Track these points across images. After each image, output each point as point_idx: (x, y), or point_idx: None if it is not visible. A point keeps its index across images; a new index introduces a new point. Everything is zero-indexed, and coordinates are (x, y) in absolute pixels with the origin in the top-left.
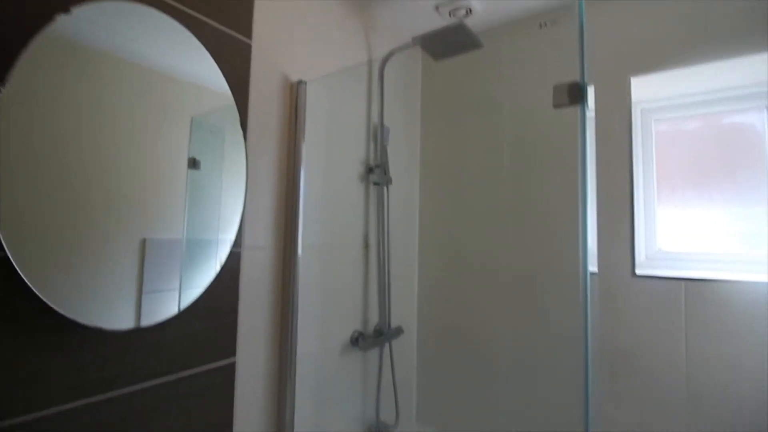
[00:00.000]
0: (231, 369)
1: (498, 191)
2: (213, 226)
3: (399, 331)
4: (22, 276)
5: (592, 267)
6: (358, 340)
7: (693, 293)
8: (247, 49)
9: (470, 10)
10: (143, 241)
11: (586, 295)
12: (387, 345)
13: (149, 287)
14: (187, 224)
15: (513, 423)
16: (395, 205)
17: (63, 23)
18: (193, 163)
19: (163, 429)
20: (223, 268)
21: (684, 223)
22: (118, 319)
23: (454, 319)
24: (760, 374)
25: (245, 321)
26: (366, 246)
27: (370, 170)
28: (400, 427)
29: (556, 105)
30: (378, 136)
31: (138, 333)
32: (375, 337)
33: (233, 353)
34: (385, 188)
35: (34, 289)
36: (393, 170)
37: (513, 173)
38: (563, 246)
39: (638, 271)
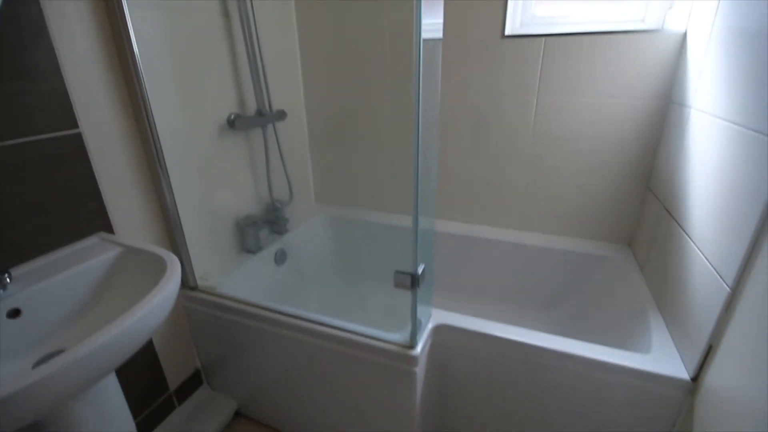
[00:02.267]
0: (78, 140)
1: None
2: None
3: (282, 114)
4: None
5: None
6: (234, 122)
7: (551, 48)
8: None
9: None
10: None
11: (419, 63)
12: (271, 128)
13: None
14: None
15: (394, 190)
16: None
17: None
18: None
19: (16, 191)
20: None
21: None
22: None
23: (341, 102)
24: (597, 128)
25: (78, 89)
26: (226, 15)
27: None
28: (300, 209)
29: None
30: None
31: None
32: (253, 117)
33: (75, 125)
34: None
35: None
36: None
37: None
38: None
39: (507, 33)
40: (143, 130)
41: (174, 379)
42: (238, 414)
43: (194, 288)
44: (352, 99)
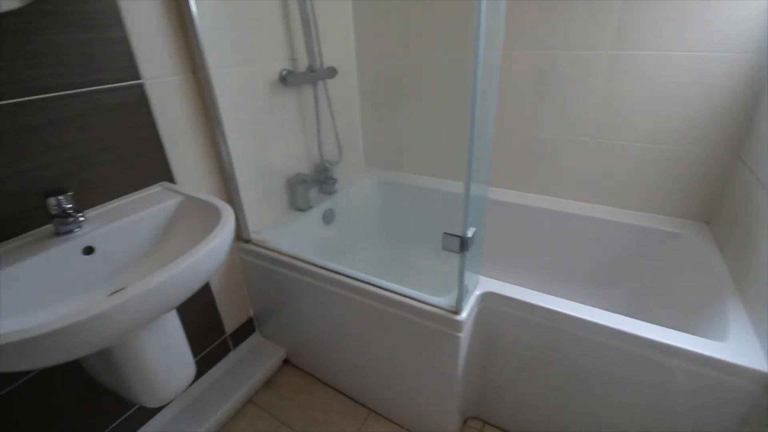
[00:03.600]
0: (140, 91)
1: None
2: None
3: (332, 71)
4: None
5: None
6: (286, 78)
7: None
8: None
9: None
10: None
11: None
12: (322, 86)
13: None
14: None
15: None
16: None
17: None
18: None
19: (86, 138)
20: None
21: None
22: None
23: (393, 60)
24: (679, 87)
25: (140, 41)
26: None
27: None
28: (349, 170)
29: None
30: None
31: None
32: (304, 73)
33: (137, 76)
34: None
35: None
36: None
37: None
38: None
39: None
40: (200, 85)
41: (230, 324)
42: (286, 362)
43: (248, 241)
44: (405, 56)
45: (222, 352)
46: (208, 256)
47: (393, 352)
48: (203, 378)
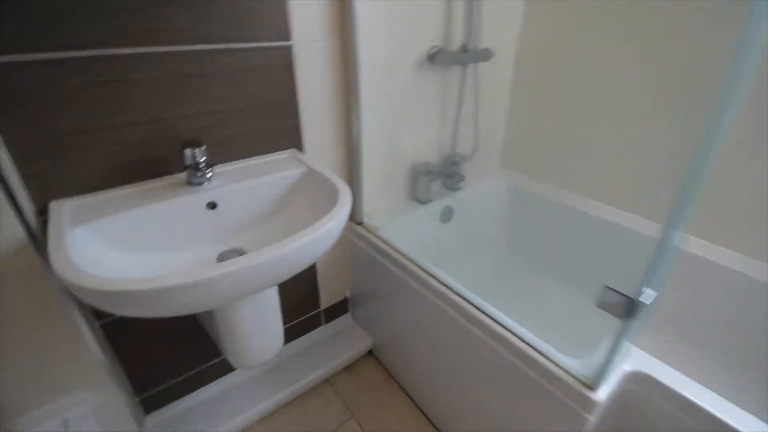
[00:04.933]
0: (288, 53)
1: None
2: None
3: (487, 53)
4: None
5: None
6: (436, 56)
7: None
8: None
9: None
10: None
11: None
12: (472, 69)
13: None
14: None
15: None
16: None
17: None
18: None
19: (229, 95)
20: None
21: None
22: None
23: (566, 50)
24: None
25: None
26: None
27: None
28: (480, 168)
29: None
30: None
31: None
32: (456, 53)
33: (288, 37)
34: None
35: None
36: None
37: None
38: None
39: None
40: (346, 53)
41: (325, 299)
42: (370, 353)
43: (360, 223)
44: (581, 47)
45: (312, 324)
46: (320, 238)
47: (494, 398)
48: (290, 345)
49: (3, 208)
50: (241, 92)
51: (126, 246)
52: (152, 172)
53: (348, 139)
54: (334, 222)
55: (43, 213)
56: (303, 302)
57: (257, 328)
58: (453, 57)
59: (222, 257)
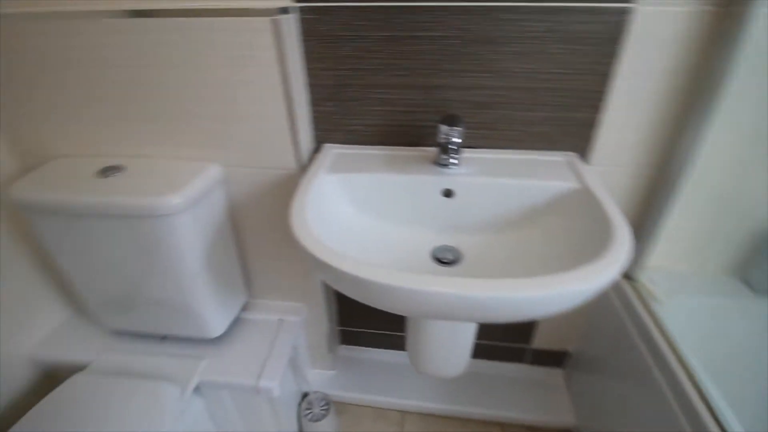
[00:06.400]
0: (621, 19)
1: None
2: None
3: None
4: None
5: None
6: None
7: None
8: None
9: None
10: None
11: None
12: None
13: None
14: None
15: None
16: None
17: None
18: None
19: (519, 69)
20: None
21: None
22: None
23: None
24: None
25: None
26: None
27: None
28: None
29: None
30: None
31: None
32: None
33: None
34: None
35: None
36: None
37: None
38: None
39: None
40: (723, 28)
41: (540, 339)
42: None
43: (630, 278)
44: None
45: (513, 356)
46: (572, 294)
47: None
48: (480, 361)
49: (285, 140)
50: (537, 68)
51: (358, 204)
52: (407, 140)
53: (663, 157)
54: (606, 274)
55: (315, 151)
56: (512, 327)
57: (442, 349)
58: None
59: (436, 253)
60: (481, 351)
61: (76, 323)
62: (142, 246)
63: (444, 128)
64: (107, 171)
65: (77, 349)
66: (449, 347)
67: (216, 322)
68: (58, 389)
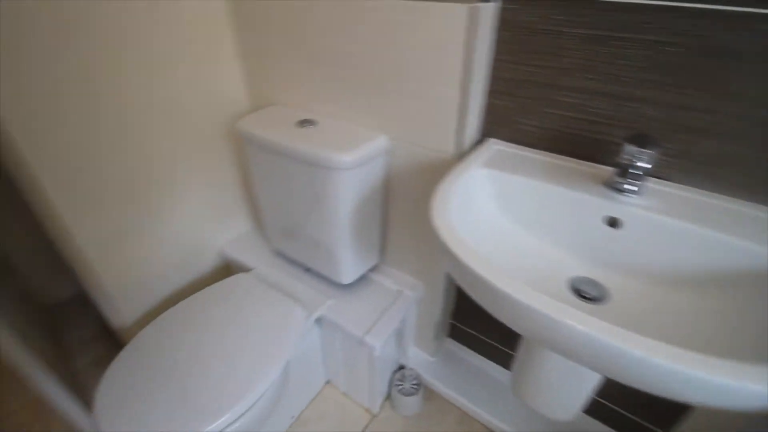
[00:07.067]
0: None
1: None
2: None
3: None
4: None
5: None
6: None
7: None
8: None
9: None
10: None
11: None
12: None
13: None
14: None
15: None
16: None
17: None
18: None
19: (746, 90)
20: None
21: None
22: None
23: None
24: None
25: None
26: None
27: None
28: None
29: None
30: None
31: None
32: None
33: None
34: None
35: None
36: None
37: None
38: None
39: None
40: None
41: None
42: None
43: None
44: None
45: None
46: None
47: None
48: (600, 426)
49: (450, 126)
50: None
51: (505, 205)
52: (579, 152)
53: None
54: None
55: (478, 143)
56: (656, 401)
57: (552, 387)
58: None
59: (575, 283)
60: (597, 409)
61: (253, 236)
62: (313, 190)
63: (631, 148)
64: (304, 123)
65: (249, 255)
66: (559, 388)
67: (348, 271)
68: (228, 279)
